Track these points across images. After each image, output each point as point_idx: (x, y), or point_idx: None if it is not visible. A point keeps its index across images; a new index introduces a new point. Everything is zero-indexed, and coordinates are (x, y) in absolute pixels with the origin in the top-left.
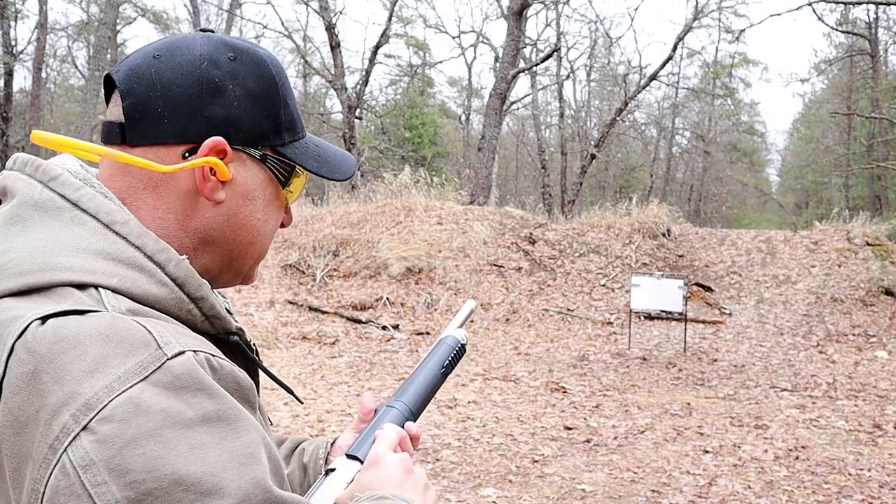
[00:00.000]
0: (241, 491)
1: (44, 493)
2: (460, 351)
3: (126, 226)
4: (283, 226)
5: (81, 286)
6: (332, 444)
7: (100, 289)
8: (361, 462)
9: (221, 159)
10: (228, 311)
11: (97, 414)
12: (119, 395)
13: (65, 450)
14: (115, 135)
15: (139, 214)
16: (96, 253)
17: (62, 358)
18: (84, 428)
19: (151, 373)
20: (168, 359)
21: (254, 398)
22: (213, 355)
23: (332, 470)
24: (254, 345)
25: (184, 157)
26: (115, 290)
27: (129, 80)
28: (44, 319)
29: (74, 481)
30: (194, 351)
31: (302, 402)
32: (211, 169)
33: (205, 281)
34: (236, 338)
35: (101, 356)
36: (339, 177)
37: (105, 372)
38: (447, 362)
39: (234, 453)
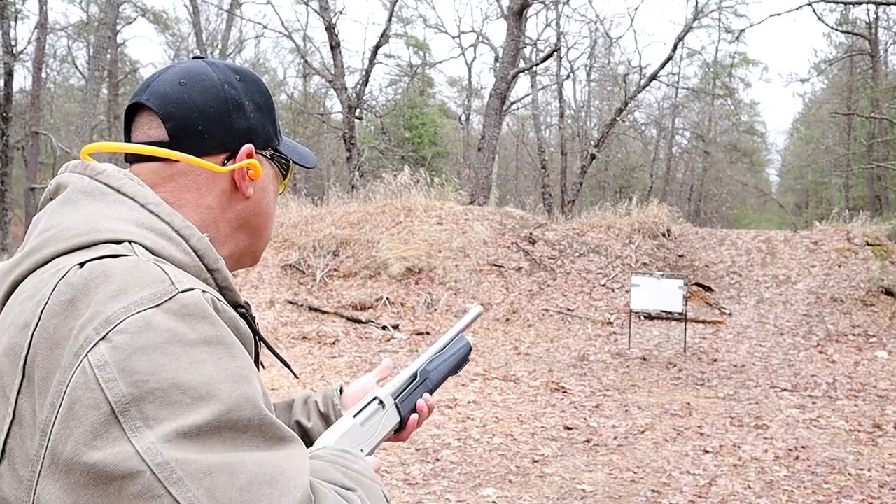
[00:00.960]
0: (231, 400)
1: (65, 391)
2: (468, 354)
3: (158, 206)
4: None
5: (119, 242)
6: (340, 393)
7: (133, 244)
8: (401, 417)
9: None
10: None
11: (114, 327)
12: (134, 314)
13: (86, 355)
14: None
15: (184, 211)
16: (133, 221)
17: (93, 288)
18: (103, 338)
19: (163, 302)
20: (179, 292)
21: (251, 349)
22: (219, 300)
23: (382, 404)
24: (256, 324)
25: (224, 164)
26: (146, 248)
27: (166, 105)
28: (82, 264)
29: (90, 378)
30: (203, 290)
31: (297, 377)
32: (247, 169)
33: (221, 257)
34: (243, 310)
35: (123, 286)
36: (310, 165)
37: (125, 297)
38: (460, 361)
39: (228, 371)
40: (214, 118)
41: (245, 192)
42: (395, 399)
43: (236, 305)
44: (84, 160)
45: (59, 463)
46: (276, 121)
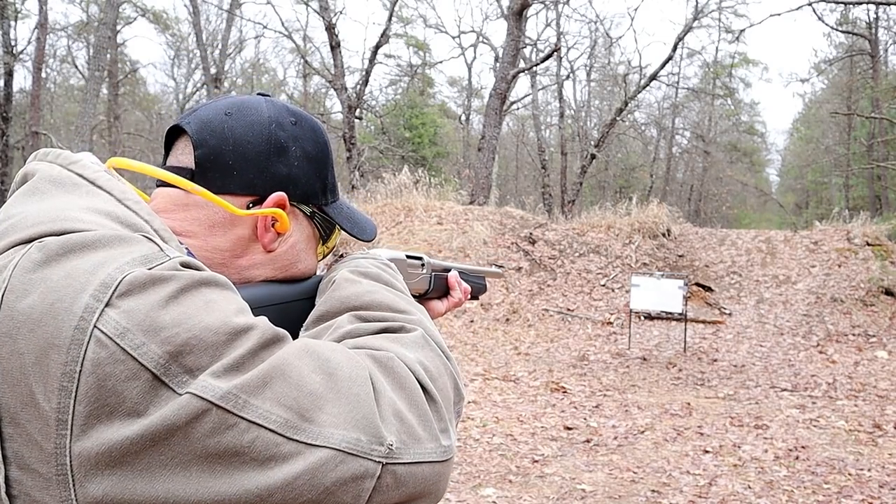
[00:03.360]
0: (258, 325)
1: (80, 370)
2: (484, 291)
3: (138, 203)
4: None
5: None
6: None
7: None
8: (428, 288)
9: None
10: None
11: (115, 291)
12: (130, 273)
13: (94, 326)
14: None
15: (189, 244)
16: (107, 214)
17: (72, 258)
18: (107, 304)
19: (158, 264)
20: (169, 259)
21: None
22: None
23: (423, 266)
24: None
25: (248, 208)
26: None
27: (202, 132)
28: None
29: (114, 350)
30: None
31: None
32: (273, 221)
33: (205, 267)
34: None
35: (108, 255)
36: (367, 238)
37: (114, 261)
38: (479, 289)
39: (240, 304)
40: (250, 156)
41: (267, 244)
42: (432, 268)
43: None
44: (57, 150)
45: (106, 445)
46: (328, 177)
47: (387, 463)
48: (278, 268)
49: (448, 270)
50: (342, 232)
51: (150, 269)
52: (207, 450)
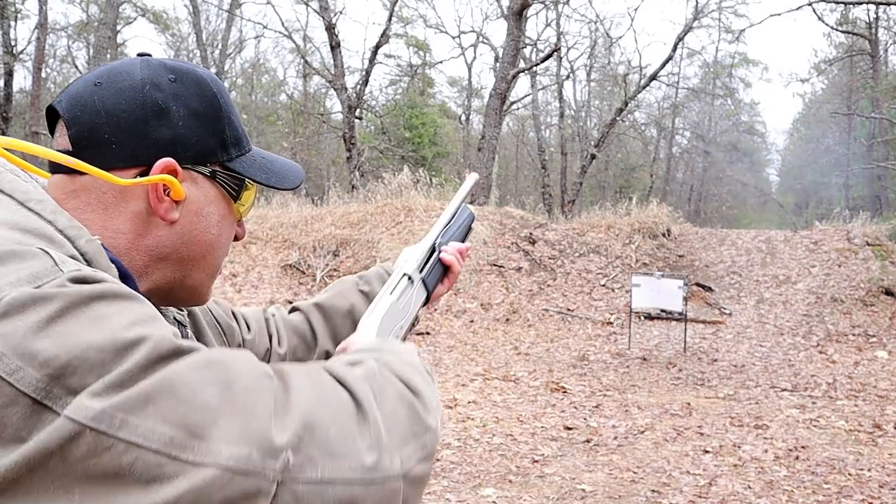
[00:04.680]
0: (156, 335)
1: None
2: (472, 222)
3: (41, 203)
4: (236, 239)
5: None
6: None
7: None
8: (428, 292)
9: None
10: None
11: None
12: (9, 295)
13: None
14: (63, 165)
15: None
16: (6, 223)
17: None
18: None
19: (45, 282)
20: (60, 275)
21: None
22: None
23: (411, 280)
24: (189, 337)
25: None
26: None
27: (72, 109)
28: None
29: None
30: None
31: None
32: (165, 190)
33: (112, 266)
34: None
35: None
36: (288, 186)
37: None
38: (466, 230)
39: (137, 315)
40: (125, 124)
41: (164, 215)
42: (421, 274)
43: None
44: None
45: None
46: (225, 131)
47: (283, 480)
48: (188, 240)
49: (433, 249)
50: (272, 189)
51: (36, 287)
52: (87, 472)
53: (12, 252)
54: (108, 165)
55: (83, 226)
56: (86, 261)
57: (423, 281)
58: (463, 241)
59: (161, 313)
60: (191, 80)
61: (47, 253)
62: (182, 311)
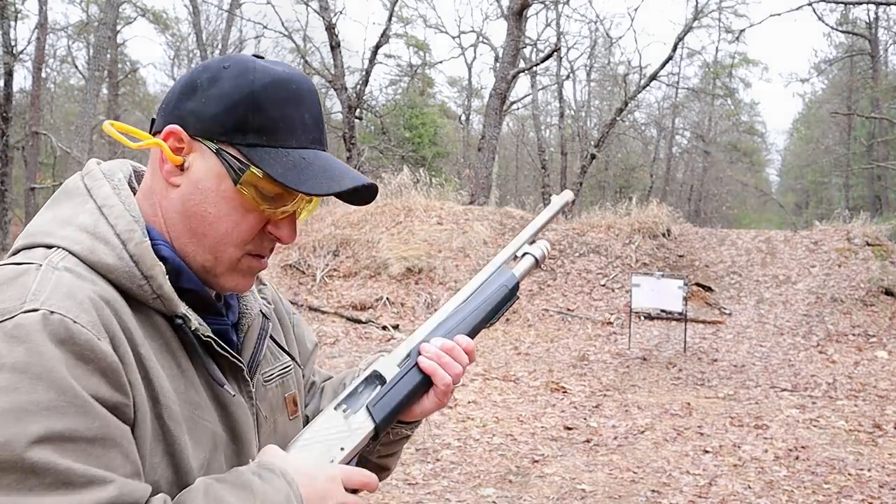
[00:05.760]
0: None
1: None
2: (512, 293)
3: (111, 209)
4: (280, 241)
5: (50, 246)
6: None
7: (61, 250)
8: (376, 425)
9: (180, 148)
10: (225, 305)
11: None
12: None
13: None
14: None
15: (139, 198)
16: (79, 226)
17: None
18: None
19: (3, 320)
20: (21, 312)
21: (113, 374)
22: (74, 321)
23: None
24: (201, 333)
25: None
26: (74, 254)
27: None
28: None
29: None
30: (51, 311)
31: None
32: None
33: (160, 264)
34: (180, 321)
35: None
36: (307, 189)
37: None
38: (496, 306)
39: (16, 404)
40: (168, 99)
41: (166, 176)
42: (368, 405)
43: (174, 315)
44: (92, 164)
45: None
46: (247, 116)
47: None
48: (188, 210)
49: (408, 356)
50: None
51: None
52: None
53: (7, 279)
54: (154, 132)
55: (141, 216)
56: (133, 262)
57: (369, 410)
58: (489, 322)
59: (246, 303)
60: (239, 69)
61: (30, 290)
62: (270, 304)
